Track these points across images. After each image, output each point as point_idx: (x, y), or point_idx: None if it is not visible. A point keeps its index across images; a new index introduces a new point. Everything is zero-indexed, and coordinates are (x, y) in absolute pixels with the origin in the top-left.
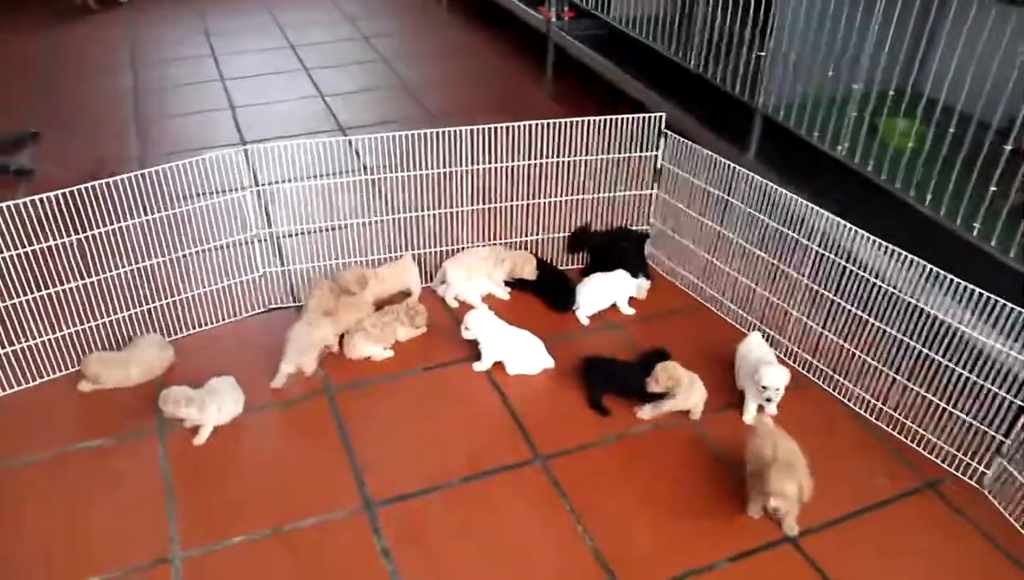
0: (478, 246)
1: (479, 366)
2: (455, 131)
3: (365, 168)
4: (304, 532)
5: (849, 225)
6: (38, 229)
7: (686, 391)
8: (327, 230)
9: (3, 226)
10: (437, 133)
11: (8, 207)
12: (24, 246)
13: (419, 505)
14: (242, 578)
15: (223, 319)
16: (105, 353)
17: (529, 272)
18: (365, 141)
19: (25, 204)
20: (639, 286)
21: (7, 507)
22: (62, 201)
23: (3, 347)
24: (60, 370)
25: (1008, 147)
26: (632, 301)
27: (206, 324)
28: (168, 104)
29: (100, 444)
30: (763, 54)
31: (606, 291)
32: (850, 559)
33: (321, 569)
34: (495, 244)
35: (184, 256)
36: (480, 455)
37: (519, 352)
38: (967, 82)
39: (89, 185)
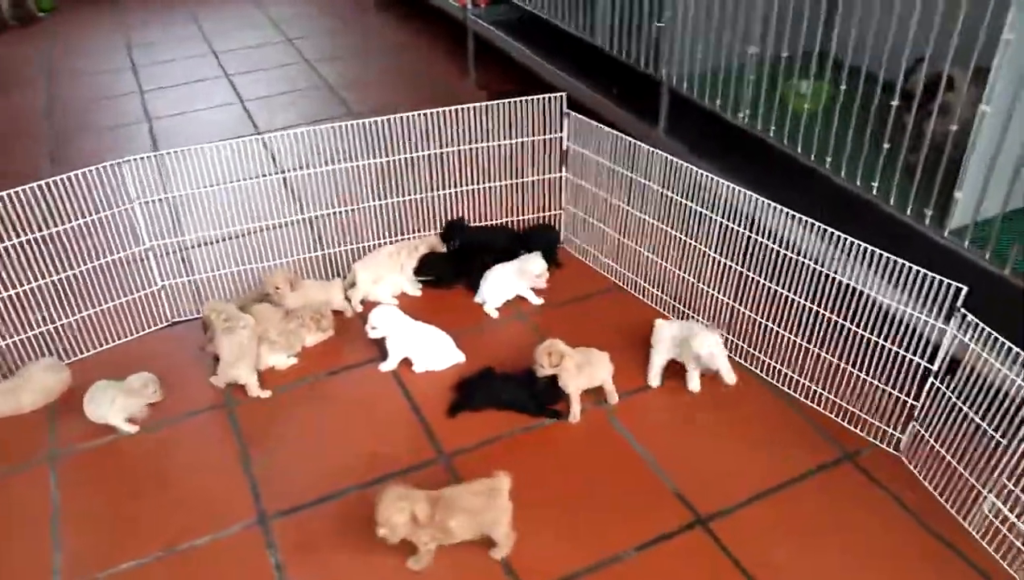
0: (384, 244)
1: (385, 366)
2: (356, 124)
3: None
4: (197, 551)
5: (751, 194)
6: None
7: (594, 366)
8: (232, 238)
9: None
10: (336, 128)
11: None
12: None
13: (314, 515)
14: None
15: (124, 336)
16: None
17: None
18: (274, 139)
19: None
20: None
21: None
22: None
23: None
24: None
25: (895, 103)
26: (546, 287)
27: (106, 342)
28: (83, 119)
29: None
30: (662, 24)
31: (509, 282)
32: (763, 540)
33: None
34: (404, 239)
35: (76, 274)
36: (381, 459)
37: (426, 348)
38: (851, 36)
39: None
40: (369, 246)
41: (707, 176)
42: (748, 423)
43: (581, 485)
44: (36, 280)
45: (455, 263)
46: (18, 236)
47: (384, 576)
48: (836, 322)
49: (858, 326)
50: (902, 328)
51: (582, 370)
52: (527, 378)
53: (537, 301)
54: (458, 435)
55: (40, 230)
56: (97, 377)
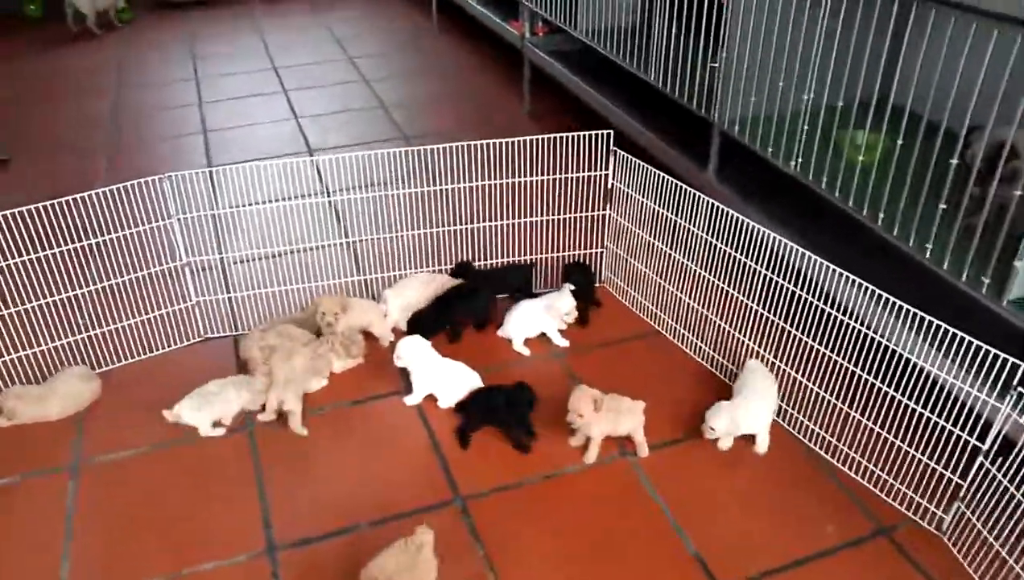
0: (418, 272)
1: (410, 400)
2: (402, 152)
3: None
4: (200, 577)
5: (798, 247)
6: None
7: (622, 414)
8: (271, 257)
9: None
10: (383, 154)
11: None
12: None
13: (322, 550)
14: None
15: (156, 350)
16: (23, 387)
17: None
18: (320, 161)
19: None
20: (562, 308)
21: None
22: None
23: None
24: None
25: (954, 161)
26: (579, 328)
27: (137, 355)
28: (143, 129)
29: (6, 483)
30: (716, 65)
31: (534, 318)
32: None
33: None
34: (438, 270)
35: (112, 285)
36: (397, 496)
37: (452, 385)
38: (913, 85)
39: (13, 212)
40: (407, 274)
41: (754, 225)
42: (779, 487)
43: (597, 539)
44: (72, 289)
45: (436, 315)
46: (57, 245)
47: None
48: (880, 389)
49: (903, 395)
50: (951, 401)
51: (607, 415)
52: (521, 393)
53: (562, 343)
54: (477, 478)
55: (79, 241)
56: (128, 389)
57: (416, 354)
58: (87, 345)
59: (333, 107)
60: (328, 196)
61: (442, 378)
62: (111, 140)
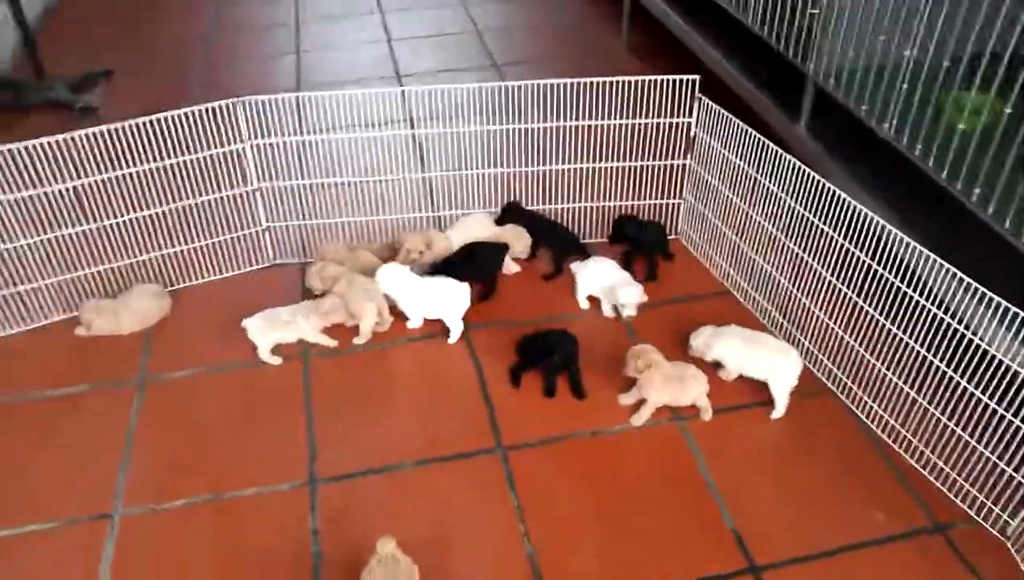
0: (477, 212)
1: (410, 325)
2: (475, 88)
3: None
4: (241, 502)
5: (882, 221)
6: (41, 174)
7: (685, 384)
8: (343, 186)
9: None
10: (466, 89)
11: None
12: (25, 190)
13: (361, 486)
14: (169, 544)
15: (225, 272)
16: (100, 301)
17: (521, 249)
18: (390, 96)
19: (24, 149)
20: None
21: None
22: (70, 145)
23: (4, 289)
24: (63, 313)
25: None
26: (646, 288)
27: (208, 276)
28: (239, 47)
29: (77, 391)
30: (816, 11)
31: (602, 282)
32: None
33: (245, 543)
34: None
35: (186, 206)
36: (440, 438)
37: (437, 301)
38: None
39: (91, 131)
40: (464, 213)
41: (837, 192)
42: (834, 467)
43: (632, 502)
44: (149, 208)
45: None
46: (134, 165)
47: (415, 557)
48: (953, 378)
49: (978, 388)
50: None
51: (669, 385)
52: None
53: (630, 312)
54: (522, 427)
55: (157, 161)
56: (195, 309)
57: (395, 281)
58: (161, 263)
59: (427, 30)
60: (412, 128)
61: (426, 297)
62: (206, 59)
